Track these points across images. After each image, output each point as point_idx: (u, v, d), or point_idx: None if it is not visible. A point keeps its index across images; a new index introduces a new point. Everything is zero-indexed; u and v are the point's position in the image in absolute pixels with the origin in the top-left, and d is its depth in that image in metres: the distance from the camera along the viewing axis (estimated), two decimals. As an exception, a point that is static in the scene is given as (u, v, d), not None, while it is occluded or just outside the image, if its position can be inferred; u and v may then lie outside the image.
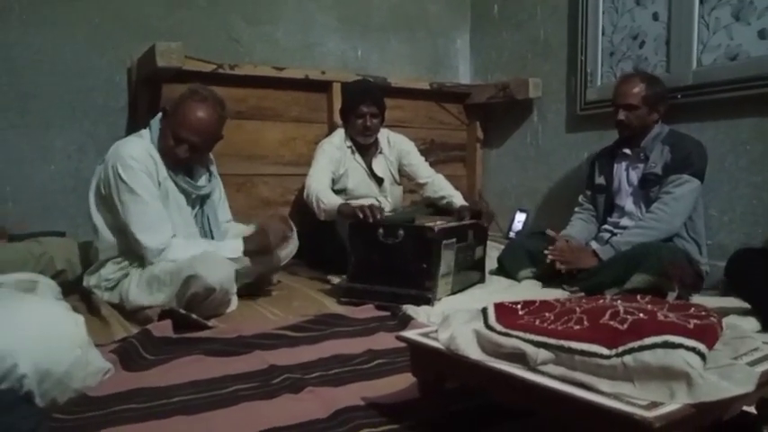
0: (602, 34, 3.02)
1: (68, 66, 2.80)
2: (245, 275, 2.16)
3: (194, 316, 1.84)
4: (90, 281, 2.12)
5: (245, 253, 2.11)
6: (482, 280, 2.52)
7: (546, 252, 2.40)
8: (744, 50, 2.43)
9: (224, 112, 2.09)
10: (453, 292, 2.26)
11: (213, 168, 2.26)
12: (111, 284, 2.06)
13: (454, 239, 2.21)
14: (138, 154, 1.97)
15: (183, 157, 2.03)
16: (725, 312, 1.80)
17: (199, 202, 2.18)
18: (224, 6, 3.15)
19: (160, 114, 2.09)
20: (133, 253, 2.02)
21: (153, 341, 1.65)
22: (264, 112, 3.10)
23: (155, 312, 1.86)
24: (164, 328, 1.74)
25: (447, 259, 2.17)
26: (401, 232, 2.12)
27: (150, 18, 2.94)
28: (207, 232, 2.17)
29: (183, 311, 1.84)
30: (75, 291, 2.21)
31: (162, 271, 1.92)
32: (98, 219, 2.06)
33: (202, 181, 2.19)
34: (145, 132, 2.09)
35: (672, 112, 2.57)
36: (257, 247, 2.15)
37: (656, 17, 2.77)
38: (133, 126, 2.71)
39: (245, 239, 2.14)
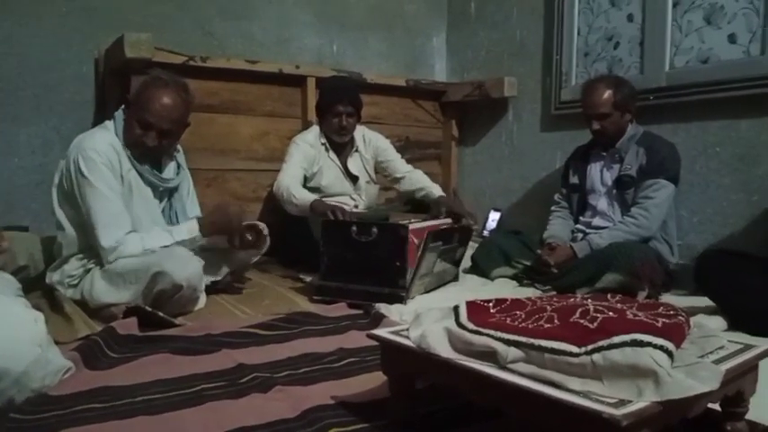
0: (578, 35, 3.05)
1: (35, 58, 2.72)
2: (214, 272, 2.12)
3: (161, 314, 1.80)
4: (53, 277, 2.06)
5: (204, 233, 2.05)
6: (456, 278, 2.52)
7: (544, 268, 2.41)
8: (714, 54, 2.47)
9: (188, 96, 2.05)
10: (427, 291, 2.26)
11: (182, 160, 2.21)
12: (74, 281, 2.01)
13: (440, 243, 2.20)
14: (100, 146, 1.92)
15: (152, 146, 1.99)
16: (693, 311, 1.83)
17: (166, 195, 2.13)
18: (198, 0, 3.09)
19: (123, 106, 2.05)
20: (97, 249, 1.96)
21: (117, 339, 1.61)
22: (237, 106, 3.05)
23: (120, 310, 1.82)
24: (129, 326, 1.70)
25: (428, 261, 2.17)
26: (375, 230, 2.11)
27: (121, 10, 2.87)
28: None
29: (149, 309, 1.80)
30: (37, 287, 2.15)
31: (127, 268, 1.88)
32: (61, 214, 2.00)
33: (170, 173, 2.14)
34: (109, 124, 2.04)
35: (645, 114, 2.60)
36: (215, 224, 2.08)
37: (630, 19, 2.80)
38: (100, 120, 2.63)
39: (202, 218, 2.09)
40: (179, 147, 2.20)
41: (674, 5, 2.60)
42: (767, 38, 2.30)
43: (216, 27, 3.15)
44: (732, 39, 2.42)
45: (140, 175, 2.02)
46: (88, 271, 2.00)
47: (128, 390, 1.31)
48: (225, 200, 2.17)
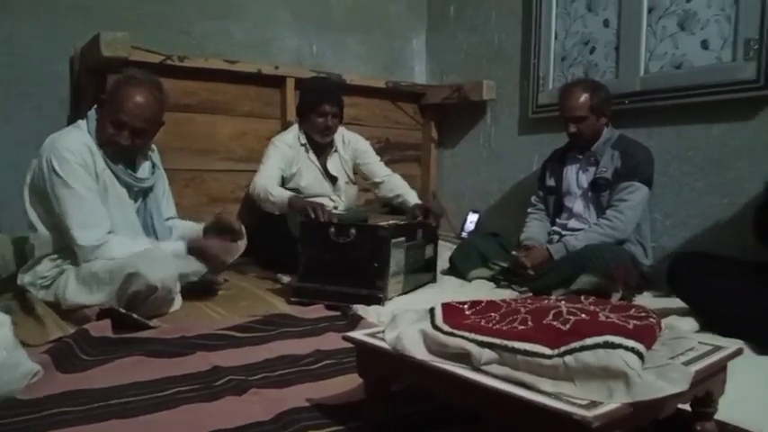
0: (555, 39, 3.07)
1: (9, 56, 2.66)
2: (190, 274, 2.10)
3: (135, 315, 1.78)
4: (24, 278, 2.02)
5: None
6: (433, 280, 2.53)
7: (520, 270, 2.43)
8: (688, 60, 2.52)
9: (162, 95, 2.03)
10: (404, 292, 2.26)
11: (156, 159, 2.19)
12: (46, 282, 1.97)
13: (403, 238, 2.20)
14: (74, 146, 1.89)
15: (125, 145, 1.96)
16: (665, 313, 1.86)
17: (141, 195, 2.11)
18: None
19: (96, 105, 2.02)
20: (70, 249, 1.93)
21: (90, 341, 1.59)
22: (215, 106, 3.02)
23: (93, 311, 1.79)
24: (102, 328, 1.67)
25: (396, 258, 2.17)
26: (353, 231, 2.11)
27: (99, 8, 2.82)
28: (149, 228, 2.09)
29: (122, 310, 1.78)
30: (8, 289, 2.11)
31: (101, 269, 1.85)
32: (33, 214, 1.97)
33: (144, 173, 2.11)
34: (82, 123, 2.01)
35: (620, 118, 2.64)
36: (200, 256, 2.10)
37: (606, 24, 2.83)
38: (75, 118, 2.59)
39: (189, 246, 2.07)
40: (153, 146, 2.18)
41: (649, 11, 2.64)
42: (738, 44, 2.35)
43: (195, 26, 3.11)
44: (705, 45, 2.46)
45: (115, 175, 2.00)
46: (61, 272, 1.96)
47: (101, 393, 1.29)
48: (219, 217, 2.17)
